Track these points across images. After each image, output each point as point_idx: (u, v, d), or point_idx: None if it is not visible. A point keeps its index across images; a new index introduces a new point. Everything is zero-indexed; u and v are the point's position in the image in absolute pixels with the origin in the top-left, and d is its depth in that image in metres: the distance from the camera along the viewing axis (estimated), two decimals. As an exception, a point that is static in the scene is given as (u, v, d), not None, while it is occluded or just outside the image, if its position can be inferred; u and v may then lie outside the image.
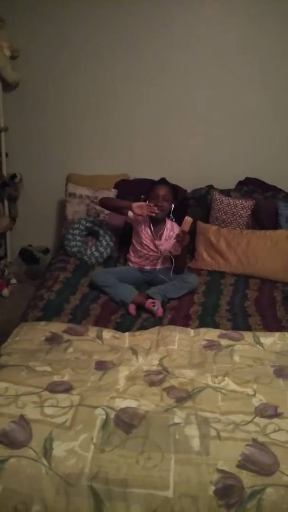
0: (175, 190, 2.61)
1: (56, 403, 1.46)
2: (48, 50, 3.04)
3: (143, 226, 2.56)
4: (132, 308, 2.28)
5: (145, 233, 2.56)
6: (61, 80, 3.10)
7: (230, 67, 2.95)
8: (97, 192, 3.02)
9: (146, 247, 2.58)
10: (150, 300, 2.30)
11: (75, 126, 3.20)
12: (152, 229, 2.56)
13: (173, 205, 2.54)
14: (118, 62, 3.02)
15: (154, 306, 2.26)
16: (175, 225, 2.61)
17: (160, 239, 2.56)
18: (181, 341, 1.94)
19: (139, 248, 2.60)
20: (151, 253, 2.59)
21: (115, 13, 2.91)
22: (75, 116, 3.18)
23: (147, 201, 2.51)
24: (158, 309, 2.26)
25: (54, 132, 3.23)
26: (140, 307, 2.32)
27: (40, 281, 2.67)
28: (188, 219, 2.34)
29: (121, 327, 2.13)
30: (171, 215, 2.61)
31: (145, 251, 2.59)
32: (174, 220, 2.62)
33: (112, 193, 3.03)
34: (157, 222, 2.56)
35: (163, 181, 2.59)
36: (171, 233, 2.57)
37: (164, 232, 2.57)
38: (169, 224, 2.59)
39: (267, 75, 2.94)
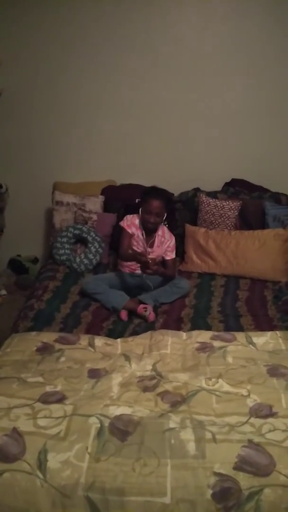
0: (169, 200, 2.58)
1: (49, 414, 1.44)
2: (31, 58, 3.03)
3: (136, 234, 2.55)
4: (123, 314, 2.27)
5: (138, 241, 2.55)
6: (45, 88, 3.09)
7: (214, 69, 2.97)
8: (84, 199, 3.01)
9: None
10: (142, 306, 2.29)
11: (60, 133, 3.19)
12: (145, 237, 2.55)
13: (165, 214, 2.53)
14: (101, 69, 3.02)
15: (146, 311, 2.26)
16: (166, 230, 2.61)
17: (152, 246, 2.55)
18: (173, 345, 1.93)
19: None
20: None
21: (99, 21, 2.91)
22: (59, 124, 3.17)
23: (140, 209, 2.51)
24: (150, 314, 2.25)
25: (39, 140, 3.22)
26: (132, 313, 2.31)
27: (29, 291, 2.65)
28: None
29: (113, 334, 2.12)
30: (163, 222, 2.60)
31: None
32: (166, 225, 2.62)
33: (99, 200, 3.03)
34: (150, 231, 2.55)
35: (156, 194, 2.50)
36: (163, 239, 2.57)
37: (156, 239, 2.56)
38: (160, 230, 2.59)
39: (251, 76, 2.97)
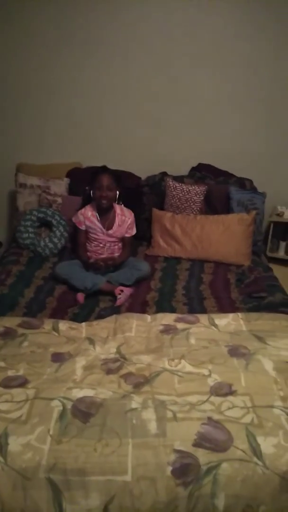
0: (118, 176, 2.59)
1: (11, 398, 1.43)
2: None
3: (91, 222, 2.53)
4: (80, 297, 2.28)
5: (95, 228, 2.53)
6: (8, 67, 2.97)
7: (182, 52, 2.94)
8: (49, 181, 2.95)
9: (100, 241, 2.56)
10: (119, 288, 2.32)
11: (23, 113, 3.09)
12: (100, 221, 2.53)
13: (117, 192, 2.53)
14: (67, 49, 2.93)
15: (120, 295, 2.28)
16: (124, 208, 2.61)
17: (112, 227, 2.54)
18: (138, 327, 1.94)
19: (93, 244, 2.58)
20: (107, 240, 2.57)
21: (75, 8, 2.81)
22: (23, 103, 3.07)
23: (91, 191, 2.50)
24: (120, 299, 2.26)
25: (2, 120, 3.10)
26: (97, 296, 2.32)
27: (-8, 275, 2.58)
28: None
29: (79, 318, 2.11)
30: (117, 201, 2.59)
31: (100, 243, 2.57)
32: (122, 204, 2.61)
33: (64, 182, 2.97)
34: (104, 213, 2.54)
35: (104, 169, 2.56)
36: (123, 217, 2.57)
37: (116, 218, 2.55)
38: (118, 209, 2.58)
39: (216, 61, 2.96)
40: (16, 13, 2.86)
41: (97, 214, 2.52)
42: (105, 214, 2.53)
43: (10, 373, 1.57)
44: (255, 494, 1.20)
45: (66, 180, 2.98)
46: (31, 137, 3.14)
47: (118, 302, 2.25)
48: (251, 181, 3.02)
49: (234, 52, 2.94)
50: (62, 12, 2.86)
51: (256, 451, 1.26)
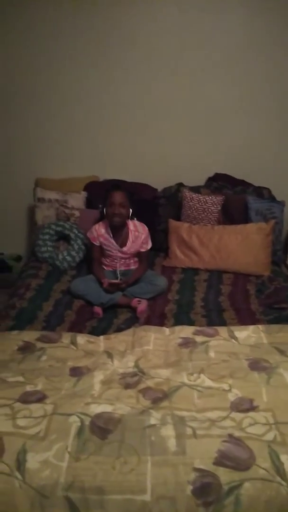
0: (131, 194, 2.56)
1: (29, 414, 1.43)
2: (8, 54, 2.98)
3: (104, 239, 2.53)
4: (98, 310, 2.28)
5: (109, 244, 2.53)
6: (24, 83, 3.04)
7: (195, 65, 2.95)
8: (67, 195, 2.98)
9: (115, 257, 2.56)
10: (136, 299, 2.32)
11: (41, 129, 3.15)
12: (113, 238, 2.52)
13: (131, 210, 2.51)
14: (80, 64, 2.98)
15: (139, 303, 2.29)
16: (138, 223, 2.58)
17: (124, 245, 2.53)
18: (156, 341, 1.92)
19: (108, 259, 2.58)
20: (120, 256, 2.56)
21: (76, 15, 2.87)
22: (41, 119, 3.12)
23: (104, 209, 2.50)
24: (141, 305, 2.27)
25: (20, 136, 3.16)
26: (115, 309, 2.31)
27: (12, 289, 2.61)
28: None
29: (97, 331, 2.11)
30: (130, 217, 2.56)
31: (115, 259, 2.56)
32: (135, 219, 2.60)
33: (82, 196, 3.00)
34: (117, 230, 2.52)
35: (117, 187, 2.53)
36: (137, 233, 2.55)
37: (129, 235, 2.54)
38: (131, 225, 2.56)
39: (232, 70, 2.95)
40: (41, 26, 2.91)
41: (110, 231, 2.51)
42: (118, 231, 2.52)
43: (29, 388, 1.57)
44: (279, 516, 1.16)
45: (83, 194, 3.01)
46: (49, 152, 3.19)
47: (139, 309, 2.24)
48: (269, 190, 2.98)
49: (248, 60, 2.92)
50: (85, 28, 2.89)
51: (279, 470, 1.22)
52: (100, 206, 2.61)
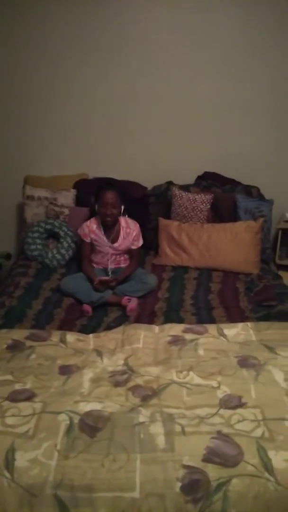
0: (123, 192, 2.55)
1: (18, 412, 1.42)
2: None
3: (95, 235, 2.53)
4: (87, 308, 2.27)
5: (100, 241, 2.53)
6: (13, 81, 3.01)
7: (185, 64, 2.95)
8: (56, 193, 2.97)
9: (106, 253, 2.55)
10: (126, 297, 2.32)
11: (30, 126, 3.12)
12: (105, 234, 2.52)
13: (122, 208, 2.50)
14: (71, 60, 2.96)
15: (129, 301, 2.30)
16: (129, 221, 2.59)
17: (116, 241, 2.53)
18: (146, 339, 1.93)
19: (99, 255, 2.58)
20: (111, 252, 2.56)
21: (66, 12, 2.85)
22: (30, 116, 3.10)
23: (96, 206, 2.49)
24: (131, 303, 2.27)
25: (9, 133, 3.14)
26: (105, 308, 2.31)
27: (1, 287, 2.59)
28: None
29: (87, 329, 2.10)
30: (121, 214, 2.56)
31: (105, 255, 2.56)
32: (127, 216, 2.60)
33: (71, 194, 2.98)
34: (109, 227, 2.52)
35: (109, 186, 2.50)
36: (128, 230, 2.55)
37: (121, 231, 2.54)
38: (123, 222, 2.56)
39: (221, 70, 2.96)
40: (29, 25, 2.89)
41: (101, 227, 2.51)
42: (110, 227, 2.52)
43: (17, 386, 1.56)
44: (267, 512, 1.17)
45: (73, 192, 2.99)
46: (38, 149, 3.17)
47: (129, 307, 2.25)
48: (258, 189, 3.00)
49: (239, 59, 2.93)
50: (72, 25, 2.87)
51: (267, 466, 1.23)
52: (92, 201, 2.58)
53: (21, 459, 1.25)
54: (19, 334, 1.97)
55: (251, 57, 2.93)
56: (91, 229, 2.53)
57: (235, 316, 2.18)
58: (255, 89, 3.00)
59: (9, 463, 1.24)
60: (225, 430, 1.34)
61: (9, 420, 1.38)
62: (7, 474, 1.21)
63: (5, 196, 3.26)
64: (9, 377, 1.63)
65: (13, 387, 1.55)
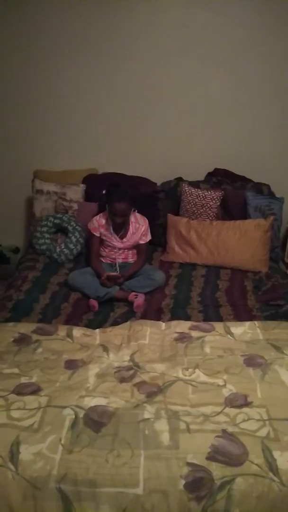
0: (133, 197, 2.48)
1: (23, 406, 1.43)
2: (5, 48, 2.94)
3: (105, 229, 2.53)
4: (94, 303, 2.27)
5: (109, 235, 2.53)
6: (23, 74, 3.01)
7: (196, 59, 2.92)
8: (65, 188, 2.97)
9: (114, 247, 2.55)
10: (133, 293, 2.31)
11: (40, 120, 3.12)
12: (114, 230, 2.51)
13: (131, 209, 2.50)
14: (80, 56, 2.95)
15: (136, 298, 2.29)
16: (139, 216, 2.59)
17: (125, 236, 2.53)
18: (152, 335, 1.92)
19: (107, 249, 2.57)
20: (120, 247, 2.56)
21: (76, 7, 2.83)
22: (39, 111, 3.10)
23: (106, 205, 2.48)
24: (138, 300, 2.26)
25: (19, 127, 3.14)
26: (112, 304, 2.31)
27: (9, 281, 2.61)
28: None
29: (93, 324, 2.10)
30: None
31: (114, 249, 2.56)
32: (136, 211, 2.59)
33: (80, 189, 2.98)
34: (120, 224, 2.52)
35: (119, 197, 2.39)
36: (137, 225, 2.55)
37: (130, 226, 2.54)
38: (132, 217, 2.56)
39: (232, 65, 2.93)
40: (40, 16, 2.88)
41: (111, 222, 2.50)
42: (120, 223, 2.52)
43: (23, 380, 1.57)
44: (270, 512, 1.16)
45: (82, 186, 2.99)
46: (48, 144, 3.17)
47: (136, 304, 2.24)
48: (268, 186, 2.97)
49: (249, 55, 2.90)
50: (85, 17, 2.86)
51: (272, 466, 1.22)
52: (103, 199, 2.57)
53: (25, 452, 1.26)
54: (26, 327, 1.98)
55: (263, 54, 2.89)
56: (101, 223, 2.53)
57: (242, 314, 2.16)
58: (267, 86, 2.96)
59: (13, 456, 1.25)
60: (230, 428, 1.34)
61: (15, 413, 1.39)
62: (12, 467, 1.22)
63: (14, 190, 3.26)
64: (16, 370, 1.64)
65: (19, 380, 1.56)
